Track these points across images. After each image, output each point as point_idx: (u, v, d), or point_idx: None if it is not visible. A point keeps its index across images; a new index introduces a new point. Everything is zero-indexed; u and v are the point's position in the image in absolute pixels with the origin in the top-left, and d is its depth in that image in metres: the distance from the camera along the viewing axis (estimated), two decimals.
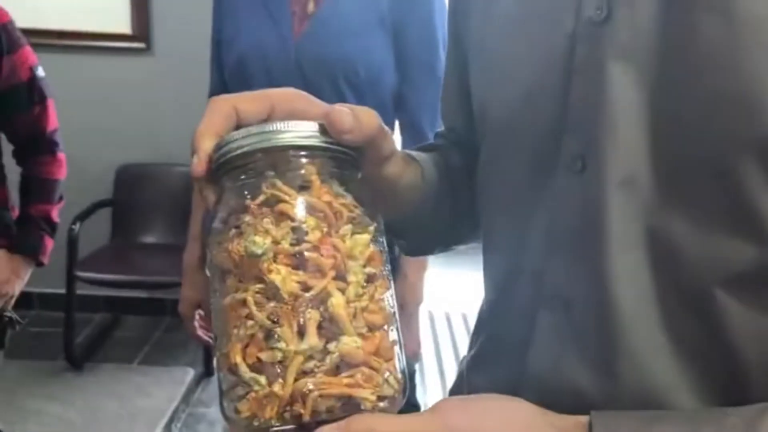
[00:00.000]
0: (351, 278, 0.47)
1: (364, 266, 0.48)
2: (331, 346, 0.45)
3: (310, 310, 0.45)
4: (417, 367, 1.77)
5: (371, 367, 0.46)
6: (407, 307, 1.62)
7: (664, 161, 0.52)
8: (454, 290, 4.02)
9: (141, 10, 3.44)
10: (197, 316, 1.63)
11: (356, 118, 0.50)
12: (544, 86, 0.59)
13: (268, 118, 0.52)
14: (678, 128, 0.51)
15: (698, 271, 0.53)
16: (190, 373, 3.16)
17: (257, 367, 0.45)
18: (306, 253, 0.46)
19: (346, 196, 0.50)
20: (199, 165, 0.50)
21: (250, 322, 0.46)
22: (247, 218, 0.47)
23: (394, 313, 0.50)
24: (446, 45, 1.52)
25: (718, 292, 0.52)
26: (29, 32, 1.91)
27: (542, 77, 0.59)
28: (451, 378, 3.26)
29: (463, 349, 3.48)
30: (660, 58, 0.52)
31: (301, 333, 0.45)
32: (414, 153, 0.71)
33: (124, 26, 3.45)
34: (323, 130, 0.49)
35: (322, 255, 0.46)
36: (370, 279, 0.48)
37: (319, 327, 0.45)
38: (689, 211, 0.52)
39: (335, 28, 1.47)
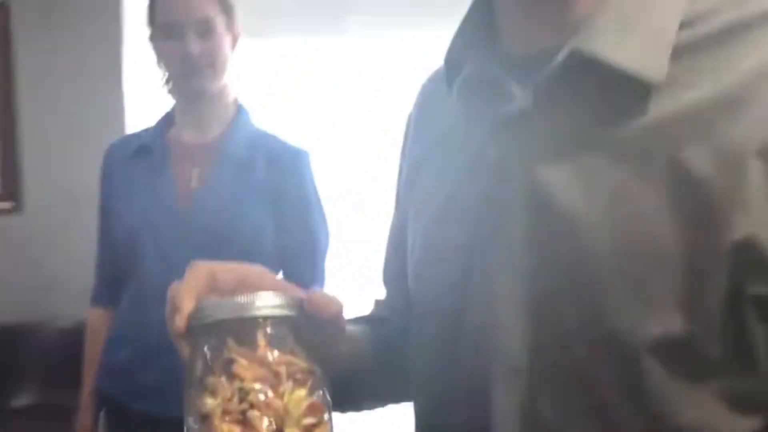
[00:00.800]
0: (287, 431, 0.55)
1: (304, 418, 0.56)
2: None
3: None
4: None
5: None
6: None
7: (540, 357, 0.60)
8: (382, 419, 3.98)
9: (9, 169, 3.44)
10: None
11: (328, 300, 0.61)
12: (452, 287, 0.68)
13: (239, 285, 0.61)
14: (548, 330, 0.60)
15: None
16: None
17: None
18: (248, 412, 0.55)
19: (293, 355, 0.57)
20: (180, 324, 0.57)
21: None
22: (210, 378, 0.56)
23: None
24: (323, 215, 1.67)
25: None
26: None
27: (452, 279, 0.68)
28: None
29: None
30: (532, 275, 0.61)
31: None
32: (353, 329, 0.77)
33: None
34: (281, 302, 0.58)
35: (260, 413, 0.55)
36: (308, 428, 0.56)
37: None
38: (557, 401, 0.60)
39: (219, 201, 1.60)
